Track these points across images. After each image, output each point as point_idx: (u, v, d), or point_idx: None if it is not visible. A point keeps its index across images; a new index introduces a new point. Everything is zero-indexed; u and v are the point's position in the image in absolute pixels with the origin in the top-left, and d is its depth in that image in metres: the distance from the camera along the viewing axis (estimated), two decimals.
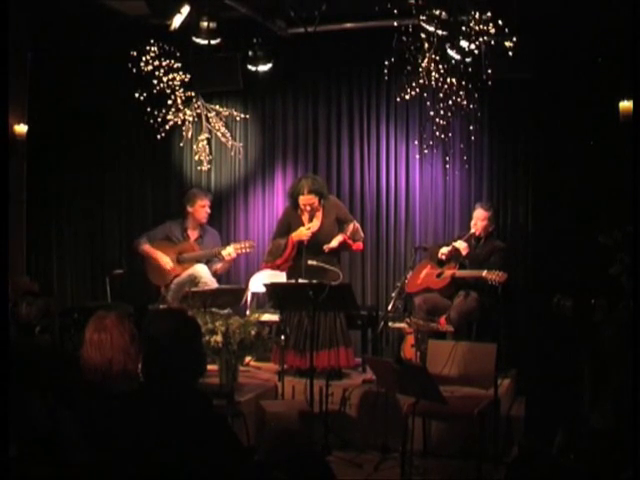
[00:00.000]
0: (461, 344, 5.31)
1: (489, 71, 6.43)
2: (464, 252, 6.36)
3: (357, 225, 6.40)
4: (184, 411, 2.67)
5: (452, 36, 6.03)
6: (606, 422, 3.57)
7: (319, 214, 6.27)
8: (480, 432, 4.96)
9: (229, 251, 6.82)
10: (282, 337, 5.95)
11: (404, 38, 6.15)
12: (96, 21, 7.16)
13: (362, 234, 6.45)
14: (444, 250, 6.47)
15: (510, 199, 7.03)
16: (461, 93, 6.53)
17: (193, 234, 7.10)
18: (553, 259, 6.65)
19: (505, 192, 7.05)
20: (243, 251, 6.89)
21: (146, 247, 7.03)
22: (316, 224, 6.26)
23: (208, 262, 6.96)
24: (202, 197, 7.08)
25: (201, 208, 7.05)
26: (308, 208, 6.22)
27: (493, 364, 5.08)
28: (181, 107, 7.43)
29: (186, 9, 6.18)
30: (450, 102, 6.60)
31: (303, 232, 6.20)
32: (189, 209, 7.06)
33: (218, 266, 6.95)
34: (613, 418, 3.55)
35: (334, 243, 6.19)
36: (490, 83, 6.51)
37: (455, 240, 6.49)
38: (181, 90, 7.36)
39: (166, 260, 6.92)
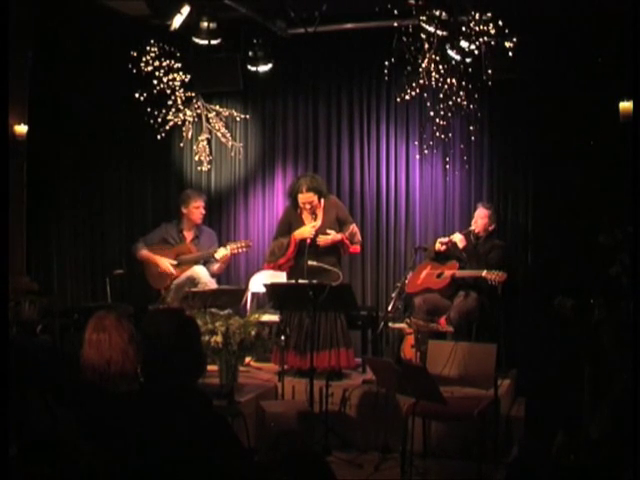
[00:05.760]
0: (461, 344, 5.31)
1: (489, 71, 6.43)
2: (460, 244, 6.38)
3: (356, 229, 6.39)
4: (184, 411, 2.67)
5: (452, 36, 6.04)
6: (604, 432, 3.57)
7: (320, 213, 6.27)
8: (480, 432, 4.96)
9: (224, 251, 6.82)
10: (282, 337, 5.95)
11: (404, 38, 6.16)
12: (96, 21, 7.17)
13: (360, 238, 6.44)
14: (442, 239, 6.50)
15: (510, 199, 7.03)
16: (461, 93, 6.55)
17: (189, 235, 7.09)
18: (553, 259, 6.65)
19: (505, 192, 7.05)
20: (239, 250, 6.89)
21: (144, 252, 7.00)
22: (317, 223, 6.25)
23: (205, 263, 6.96)
24: (196, 198, 7.05)
25: (195, 209, 7.02)
26: (308, 206, 6.21)
27: (493, 364, 5.08)
28: (181, 107, 7.44)
29: (186, 9, 6.18)
30: (450, 102, 6.61)
31: (307, 230, 6.18)
32: (183, 210, 7.05)
33: (215, 267, 6.94)
34: (611, 427, 3.55)
35: (330, 237, 6.16)
36: (490, 83, 6.52)
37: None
38: (181, 90, 7.37)
39: (167, 264, 6.90)
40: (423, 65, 6.31)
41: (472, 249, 6.42)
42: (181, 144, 7.74)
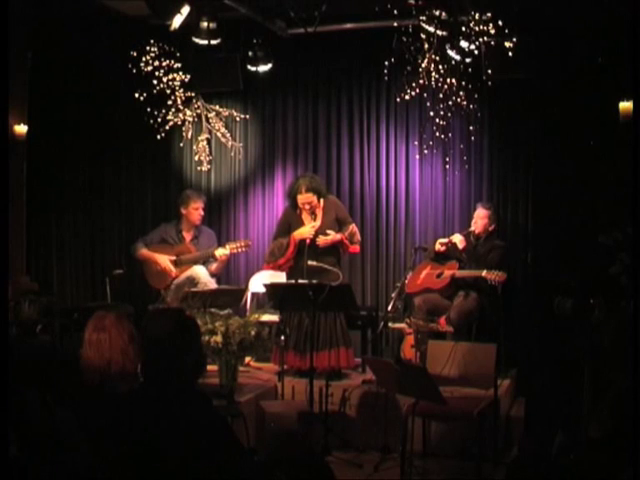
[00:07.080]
0: (461, 344, 5.31)
1: (489, 71, 6.43)
2: (460, 245, 6.38)
3: (355, 228, 6.39)
4: (184, 411, 2.67)
5: (452, 36, 6.03)
6: (604, 431, 3.57)
7: (319, 213, 6.27)
8: (480, 433, 4.96)
9: (223, 251, 6.82)
10: (282, 337, 5.95)
11: (404, 38, 6.15)
12: (96, 21, 7.17)
13: (359, 238, 6.43)
14: (442, 240, 6.50)
15: (510, 199, 7.03)
16: (461, 93, 6.54)
17: (188, 235, 7.09)
18: (553, 259, 6.65)
19: (505, 192, 7.05)
20: (239, 250, 6.89)
21: (143, 251, 7.01)
22: (317, 223, 6.25)
23: (205, 263, 6.95)
24: (195, 199, 7.05)
25: (194, 210, 7.01)
26: (307, 207, 6.21)
27: (493, 364, 5.08)
28: (181, 107, 7.43)
29: (186, 9, 6.18)
30: (450, 102, 6.61)
31: (306, 230, 6.18)
32: (183, 211, 7.04)
33: (213, 267, 6.94)
34: (611, 426, 3.55)
35: (329, 237, 6.17)
36: (490, 83, 6.52)
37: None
38: (181, 90, 7.36)
39: (166, 262, 6.89)
40: (423, 65, 6.31)
41: (472, 250, 6.41)
42: (181, 144, 7.74)
